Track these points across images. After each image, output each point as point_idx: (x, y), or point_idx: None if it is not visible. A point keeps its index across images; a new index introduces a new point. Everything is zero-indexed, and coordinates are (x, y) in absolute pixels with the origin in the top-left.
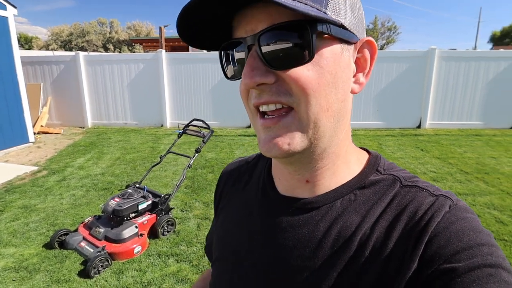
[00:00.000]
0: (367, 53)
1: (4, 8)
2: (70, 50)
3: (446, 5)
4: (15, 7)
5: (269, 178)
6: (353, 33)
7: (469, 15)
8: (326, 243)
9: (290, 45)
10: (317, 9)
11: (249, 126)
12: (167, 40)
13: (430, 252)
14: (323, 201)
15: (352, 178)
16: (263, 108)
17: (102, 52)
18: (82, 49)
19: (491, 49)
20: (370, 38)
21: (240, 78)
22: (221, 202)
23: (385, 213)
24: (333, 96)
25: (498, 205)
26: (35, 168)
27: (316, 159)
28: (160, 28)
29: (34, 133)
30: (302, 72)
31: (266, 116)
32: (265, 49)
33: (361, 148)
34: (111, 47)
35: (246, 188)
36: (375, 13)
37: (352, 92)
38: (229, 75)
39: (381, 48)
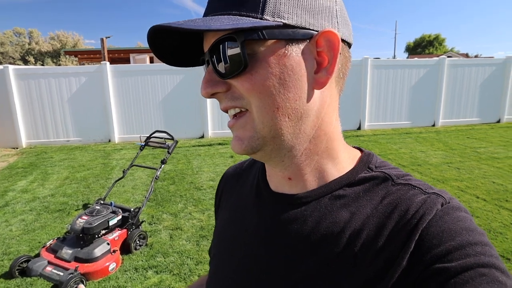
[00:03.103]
0: (325, 47)
1: None
2: None
3: (366, 18)
4: None
5: (263, 176)
6: (304, 28)
7: (388, 27)
8: (314, 239)
9: (228, 56)
10: (252, 17)
11: (202, 136)
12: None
13: (421, 251)
14: (312, 196)
15: (342, 175)
16: (230, 112)
17: (20, 65)
18: None
19: (407, 57)
20: (327, 29)
21: None
22: (220, 204)
23: (376, 211)
24: (282, 96)
25: None
26: None
27: (288, 156)
28: (102, 40)
29: None
30: (245, 78)
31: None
32: (215, 62)
33: (355, 147)
34: (31, 59)
35: (242, 187)
36: None
37: (317, 88)
38: None
39: None
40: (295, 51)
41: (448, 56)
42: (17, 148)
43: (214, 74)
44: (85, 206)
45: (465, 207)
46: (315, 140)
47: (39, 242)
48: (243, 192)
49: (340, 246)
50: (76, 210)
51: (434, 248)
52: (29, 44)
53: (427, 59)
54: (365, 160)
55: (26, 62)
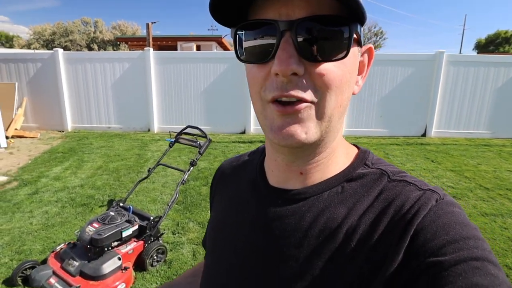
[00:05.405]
0: (366, 58)
1: None
2: (52, 49)
3: (431, 11)
4: None
5: (261, 171)
6: (360, 34)
7: (453, 22)
8: (312, 233)
9: (329, 39)
10: None
11: (244, 132)
12: (154, 39)
13: (416, 245)
14: (311, 192)
15: (341, 171)
16: (282, 99)
17: (86, 51)
18: (65, 48)
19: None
20: (371, 45)
21: (254, 62)
22: (215, 197)
23: (372, 206)
24: (346, 94)
25: None
26: (5, 178)
27: (317, 152)
28: (147, 25)
29: (7, 137)
30: (330, 68)
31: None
32: (302, 38)
33: (352, 144)
34: (95, 47)
35: (239, 181)
36: None
37: (354, 92)
38: (242, 57)
39: None
40: (359, 55)
41: None
42: (63, 132)
43: (294, 50)
44: (110, 203)
45: (459, 204)
46: (338, 138)
47: (54, 242)
48: (240, 186)
49: (337, 242)
50: (100, 206)
51: (428, 242)
52: (94, 32)
53: None
54: (361, 157)
55: (90, 49)
